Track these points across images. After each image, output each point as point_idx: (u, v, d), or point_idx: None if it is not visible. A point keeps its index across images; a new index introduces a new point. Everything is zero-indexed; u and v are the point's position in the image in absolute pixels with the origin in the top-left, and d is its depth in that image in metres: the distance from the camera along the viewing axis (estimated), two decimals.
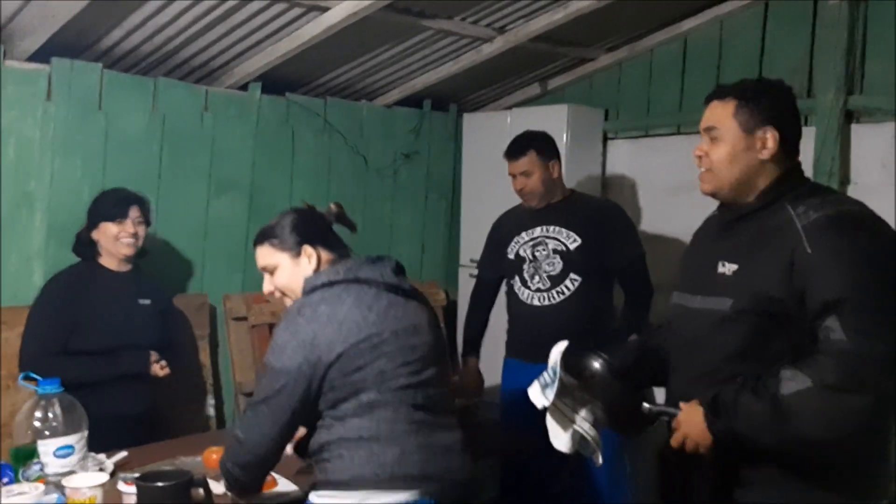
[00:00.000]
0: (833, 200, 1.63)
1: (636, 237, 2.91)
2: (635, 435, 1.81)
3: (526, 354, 2.83)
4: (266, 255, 1.83)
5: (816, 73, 3.09)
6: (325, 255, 1.82)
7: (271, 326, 3.30)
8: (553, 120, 3.65)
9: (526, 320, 2.85)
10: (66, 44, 2.71)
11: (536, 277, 2.81)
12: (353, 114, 3.71)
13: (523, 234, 2.88)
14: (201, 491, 1.82)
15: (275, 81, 3.33)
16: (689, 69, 3.57)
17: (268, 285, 1.86)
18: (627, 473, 2.83)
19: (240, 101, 3.30)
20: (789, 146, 1.67)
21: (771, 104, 1.66)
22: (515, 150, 2.85)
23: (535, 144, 2.82)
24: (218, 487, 1.87)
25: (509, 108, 4.03)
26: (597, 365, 1.69)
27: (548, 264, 2.79)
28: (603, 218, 2.87)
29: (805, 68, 3.15)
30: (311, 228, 1.84)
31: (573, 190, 3.01)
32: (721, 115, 1.67)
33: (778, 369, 1.52)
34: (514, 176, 2.85)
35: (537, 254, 2.82)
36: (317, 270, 1.79)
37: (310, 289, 1.75)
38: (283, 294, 1.84)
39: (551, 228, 2.84)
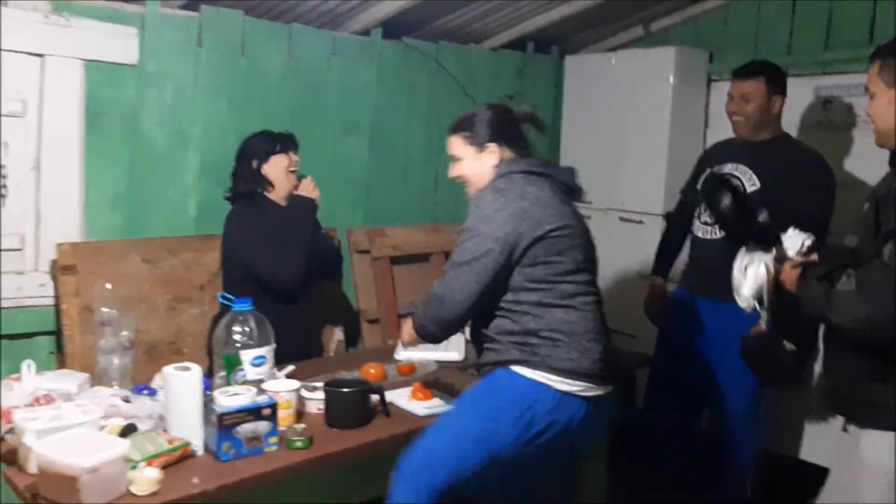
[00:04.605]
0: None
1: (826, 197, 2.71)
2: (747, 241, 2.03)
3: (688, 285, 2.98)
4: (455, 144, 2.03)
5: None
6: (508, 153, 1.98)
7: (392, 259, 3.53)
8: (659, 62, 3.72)
9: (693, 251, 2.96)
10: None
11: (708, 211, 2.77)
12: (463, 57, 3.85)
13: (715, 168, 2.83)
14: (377, 397, 2.07)
15: (391, 27, 3.48)
16: (800, 10, 3.56)
17: (453, 171, 2.06)
18: (763, 413, 2.93)
19: (363, 46, 3.46)
20: None
21: None
22: (746, 71, 2.79)
23: (767, 72, 2.77)
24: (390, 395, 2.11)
25: (613, 49, 4.09)
26: (727, 201, 2.10)
27: None
28: (796, 169, 2.71)
29: None
30: (500, 127, 1.99)
31: (788, 134, 2.89)
32: (871, 75, 1.86)
33: (851, 271, 1.75)
34: (731, 97, 2.81)
35: None
36: (496, 167, 1.95)
37: (507, 171, 1.91)
38: (467, 181, 2.03)
39: (738, 167, 2.78)
